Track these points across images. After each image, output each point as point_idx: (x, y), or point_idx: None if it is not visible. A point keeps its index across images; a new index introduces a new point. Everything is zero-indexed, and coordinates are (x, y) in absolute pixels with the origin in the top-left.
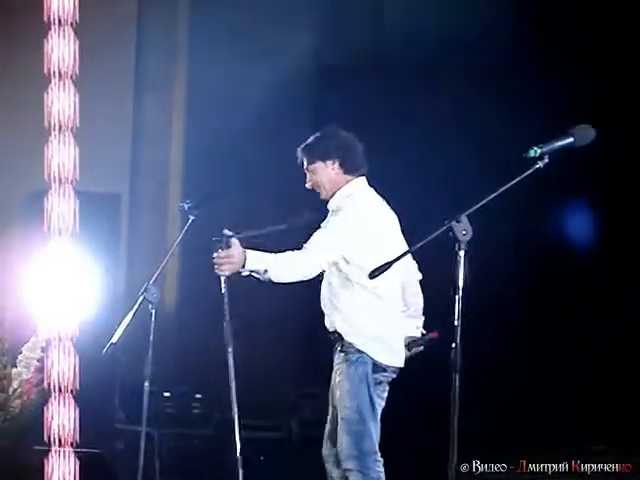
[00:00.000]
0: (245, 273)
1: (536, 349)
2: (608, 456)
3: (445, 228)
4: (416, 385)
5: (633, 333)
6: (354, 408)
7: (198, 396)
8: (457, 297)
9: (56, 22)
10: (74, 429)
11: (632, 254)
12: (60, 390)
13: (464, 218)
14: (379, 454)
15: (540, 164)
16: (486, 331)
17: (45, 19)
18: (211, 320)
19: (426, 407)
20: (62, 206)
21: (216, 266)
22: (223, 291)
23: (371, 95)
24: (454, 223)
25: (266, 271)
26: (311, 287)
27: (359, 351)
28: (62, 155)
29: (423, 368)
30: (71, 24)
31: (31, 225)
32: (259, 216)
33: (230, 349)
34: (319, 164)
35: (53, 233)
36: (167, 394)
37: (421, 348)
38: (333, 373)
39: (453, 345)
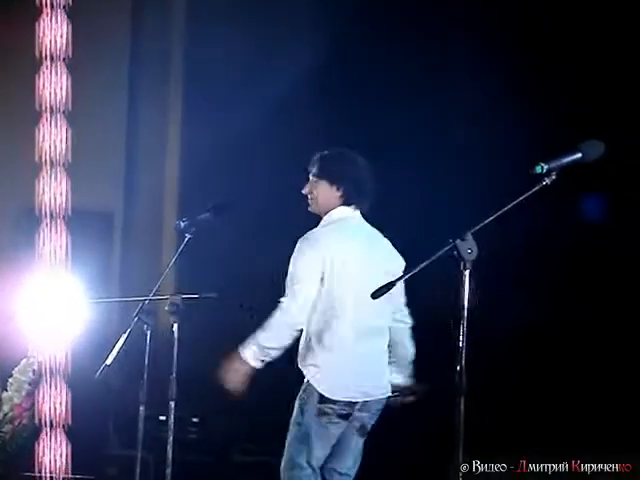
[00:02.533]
0: (257, 365)
1: (536, 349)
2: (608, 456)
3: (450, 247)
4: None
5: (633, 332)
6: (290, 436)
7: (195, 420)
8: (462, 318)
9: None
10: (66, 460)
11: None
12: (52, 425)
13: (470, 236)
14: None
15: (547, 181)
16: (486, 331)
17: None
18: (209, 341)
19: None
20: (53, 189)
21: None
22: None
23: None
24: (459, 241)
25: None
26: None
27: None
28: (53, 137)
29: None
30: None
31: (21, 246)
32: (259, 231)
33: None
34: (325, 183)
35: (43, 216)
36: (162, 418)
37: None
38: None
39: (458, 368)
